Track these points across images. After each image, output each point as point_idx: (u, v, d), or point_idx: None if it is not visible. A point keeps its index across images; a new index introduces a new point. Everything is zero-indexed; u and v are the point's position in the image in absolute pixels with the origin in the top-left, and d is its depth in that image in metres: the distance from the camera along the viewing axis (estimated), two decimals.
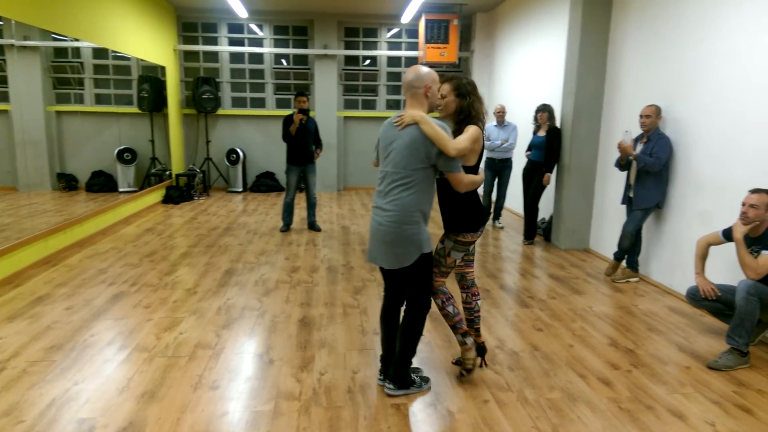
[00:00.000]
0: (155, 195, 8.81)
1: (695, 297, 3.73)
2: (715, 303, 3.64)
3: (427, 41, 9.27)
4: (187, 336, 3.72)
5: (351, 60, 10.63)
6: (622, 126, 5.51)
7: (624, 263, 5.21)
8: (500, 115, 7.16)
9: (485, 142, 3.62)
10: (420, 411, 2.85)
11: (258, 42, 10.37)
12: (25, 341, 3.58)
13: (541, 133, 6.43)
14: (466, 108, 2.90)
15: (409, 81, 2.78)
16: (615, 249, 5.17)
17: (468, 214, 2.94)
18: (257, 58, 10.41)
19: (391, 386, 2.99)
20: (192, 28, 10.19)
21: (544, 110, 6.37)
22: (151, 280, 4.89)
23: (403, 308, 3.00)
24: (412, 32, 10.60)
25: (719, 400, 3.00)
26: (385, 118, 3.79)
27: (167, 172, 9.32)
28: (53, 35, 5.78)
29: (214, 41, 10.25)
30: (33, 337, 3.65)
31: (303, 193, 8.97)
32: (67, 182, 6.25)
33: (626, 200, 5.06)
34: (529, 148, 6.68)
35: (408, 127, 2.71)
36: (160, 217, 7.81)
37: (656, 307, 4.46)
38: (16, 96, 5.19)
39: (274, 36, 10.36)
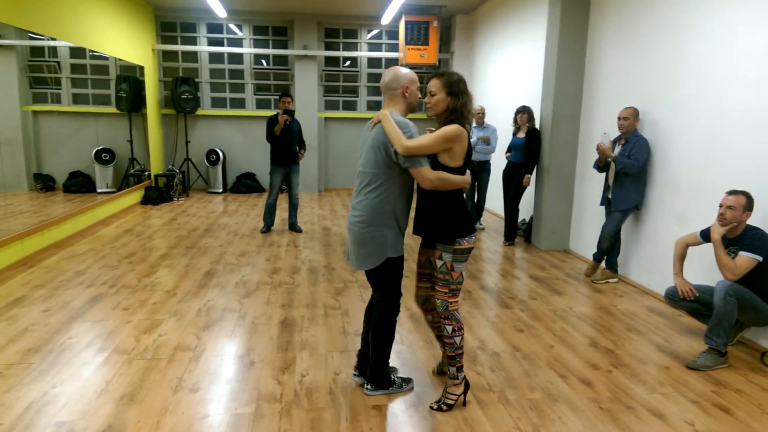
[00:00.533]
0: (134, 196, 8.69)
1: (674, 297, 3.77)
2: (694, 303, 3.69)
3: (407, 42, 9.31)
4: (167, 338, 3.67)
5: (331, 61, 10.61)
6: (601, 128, 5.58)
7: (603, 264, 5.27)
8: (480, 116, 7.18)
9: None
10: (402, 412, 2.85)
11: (237, 42, 10.31)
12: (2, 344, 3.51)
13: (521, 135, 6.47)
14: (459, 108, 2.66)
15: (386, 82, 2.77)
16: (594, 250, 5.23)
17: (455, 219, 2.70)
18: (237, 58, 10.35)
19: (369, 387, 3.00)
20: (171, 27, 10.09)
21: (524, 112, 6.41)
22: (130, 282, 4.82)
23: None
24: (393, 33, 10.63)
25: (698, 400, 3.05)
26: (366, 119, 3.78)
27: (146, 173, 9.21)
28: (30, 34, 5.67)
29: (193, 41, 10.17)
30: (10, 340, 3.57)
31: (284, 193, 8.93)
32: (44, 183, 6.14)
33: (605, 201, 5.10)
34: (509, 150, 6.71)
35: (376, 126, 2.71)
36: (138, 218, 7.71)
37: (635, 308, 4.51)
38: None
39: (253, 36, 10.31)
